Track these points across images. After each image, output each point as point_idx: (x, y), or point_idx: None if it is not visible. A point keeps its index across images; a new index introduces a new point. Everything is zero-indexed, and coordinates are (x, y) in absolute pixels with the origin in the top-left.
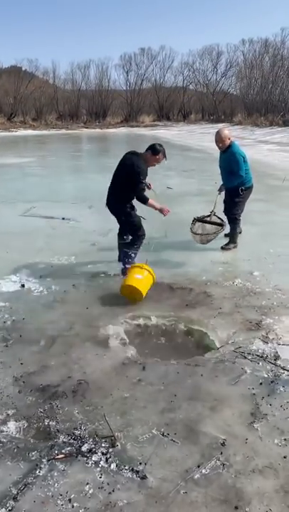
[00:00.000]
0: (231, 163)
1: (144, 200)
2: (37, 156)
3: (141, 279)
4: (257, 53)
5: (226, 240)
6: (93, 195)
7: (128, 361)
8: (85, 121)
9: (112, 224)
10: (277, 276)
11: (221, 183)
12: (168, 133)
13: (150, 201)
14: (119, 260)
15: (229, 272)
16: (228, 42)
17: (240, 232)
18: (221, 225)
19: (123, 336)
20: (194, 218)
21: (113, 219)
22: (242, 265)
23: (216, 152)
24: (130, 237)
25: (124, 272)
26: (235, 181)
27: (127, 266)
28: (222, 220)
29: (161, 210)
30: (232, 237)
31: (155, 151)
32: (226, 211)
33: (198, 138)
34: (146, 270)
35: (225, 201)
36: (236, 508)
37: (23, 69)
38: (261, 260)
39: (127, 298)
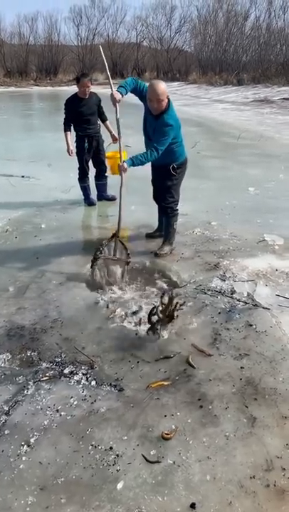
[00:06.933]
0: (157, 134)
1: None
2: None
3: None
4: (211, 8)
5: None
6: (51, 154)
7: (99, 301)
8: (35, 78)
9: (75, 181)
10: (233, 225)
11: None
12: None
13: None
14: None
15: (189, 222)
16: None
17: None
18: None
19: (93, 281)
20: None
21: (73, 176)
22: (201, 216)
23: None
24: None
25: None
26: (165, 158)
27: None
28: (127, 252)
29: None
30: (167, 236)
31: (76, 80)
32: (158, 198)
33: None
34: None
35: (154, 184)
36: (201, 407)
37: None
38: (218, 212)
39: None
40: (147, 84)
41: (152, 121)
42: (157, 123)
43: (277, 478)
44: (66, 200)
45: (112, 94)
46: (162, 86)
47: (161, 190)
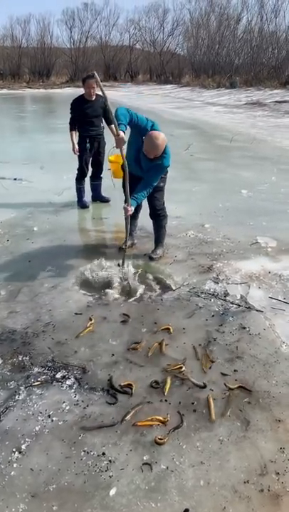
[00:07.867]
0: (152, 172)
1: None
2: None
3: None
4: (203, 12)
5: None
6: (43, 156)
7: (92, 304)
8: (27, 80)
9: (68, 183)
10: (226, 228)
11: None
12: (116, 94)
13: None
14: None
15: (182, 225)
16: None
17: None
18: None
19: (86, 284)
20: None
21: (66, 178)
22: (194, 219)
23: (167, 113)
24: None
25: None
26: None
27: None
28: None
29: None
30: (159, 238)
31: (82, 81)
32: (150, 203)
33: (146, 99)
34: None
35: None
36: (194, 411)
37: None
38: (211, 214)
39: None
40: (139, 114)
41: (147, 161)
42: (153, 165)
43: (272, 483)
44: (59, 203)
45: (119, 139)
46: (161, 142)
47: (153, 192)
